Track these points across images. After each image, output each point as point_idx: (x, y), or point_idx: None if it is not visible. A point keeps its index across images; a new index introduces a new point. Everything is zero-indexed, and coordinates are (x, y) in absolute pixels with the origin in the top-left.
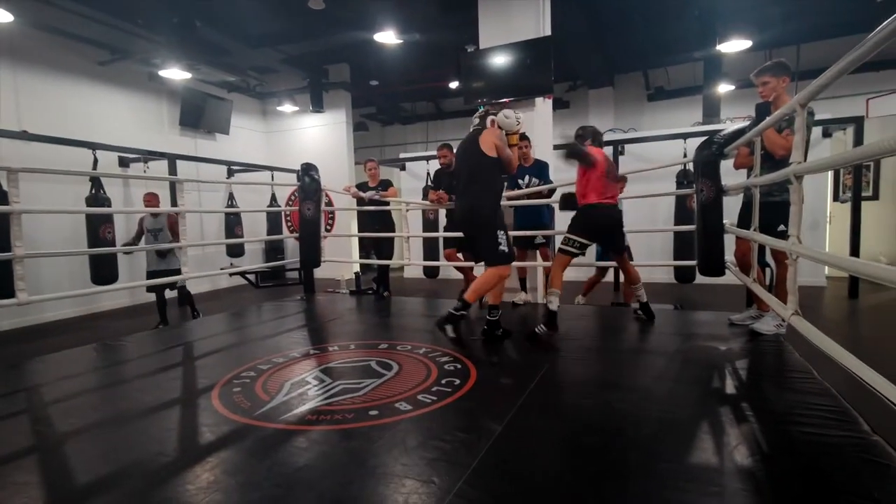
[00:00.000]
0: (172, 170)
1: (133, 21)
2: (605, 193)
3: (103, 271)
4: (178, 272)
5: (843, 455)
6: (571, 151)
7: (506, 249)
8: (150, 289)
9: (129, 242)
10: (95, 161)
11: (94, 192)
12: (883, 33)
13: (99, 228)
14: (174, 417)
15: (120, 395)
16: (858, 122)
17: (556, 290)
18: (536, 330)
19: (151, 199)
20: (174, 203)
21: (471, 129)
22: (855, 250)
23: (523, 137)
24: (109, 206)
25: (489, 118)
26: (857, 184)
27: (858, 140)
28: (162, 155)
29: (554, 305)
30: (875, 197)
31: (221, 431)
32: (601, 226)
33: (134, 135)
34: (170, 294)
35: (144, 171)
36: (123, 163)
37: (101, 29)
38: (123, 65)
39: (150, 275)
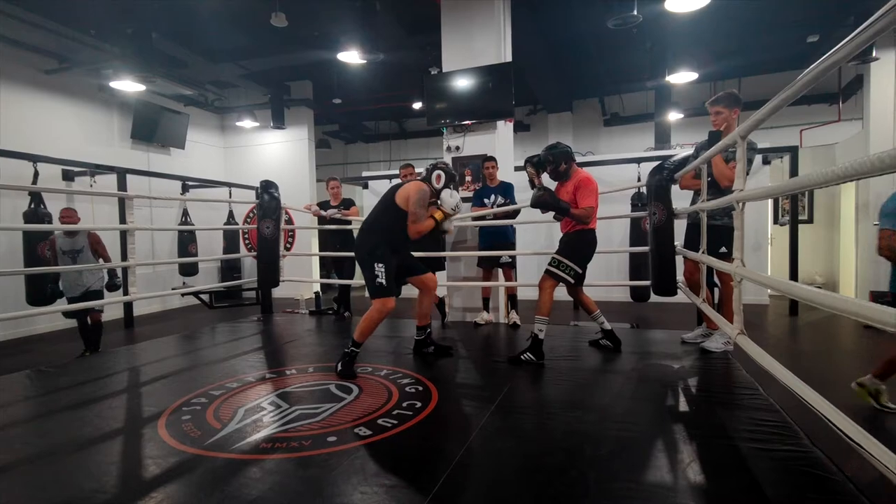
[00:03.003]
0: (122, 185)
1: (84, 31)
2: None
3: (40, 291)
4: (99, 294)
5: (787, 469)
6: (538, 202)
7: (383, 283)
8: (68, 315)
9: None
10: (36, 174)
11: (32, 206)
12: (811, 75)
13: (37, 246)
14: (115, 450)
15: (54, 427)
16: (793, 152)
17: (546, 318)
18: (522, 357)
19: (70, 216)
20: (122, 220)
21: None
22: (794, 271)
23: (489, 158)
24: (50, 222)
25: (436, 172)
26: (794, 208)
27: (794, 167)
28: (111, 169)
29: (543, 334)
30: (810, 220)
31: (168, 463)
32: (593, 252)
33: (81, 147)
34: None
35: (91, 186)
36: (68, 176)
37: (49, 36)
38: (72, 74)
39: (70, 302)
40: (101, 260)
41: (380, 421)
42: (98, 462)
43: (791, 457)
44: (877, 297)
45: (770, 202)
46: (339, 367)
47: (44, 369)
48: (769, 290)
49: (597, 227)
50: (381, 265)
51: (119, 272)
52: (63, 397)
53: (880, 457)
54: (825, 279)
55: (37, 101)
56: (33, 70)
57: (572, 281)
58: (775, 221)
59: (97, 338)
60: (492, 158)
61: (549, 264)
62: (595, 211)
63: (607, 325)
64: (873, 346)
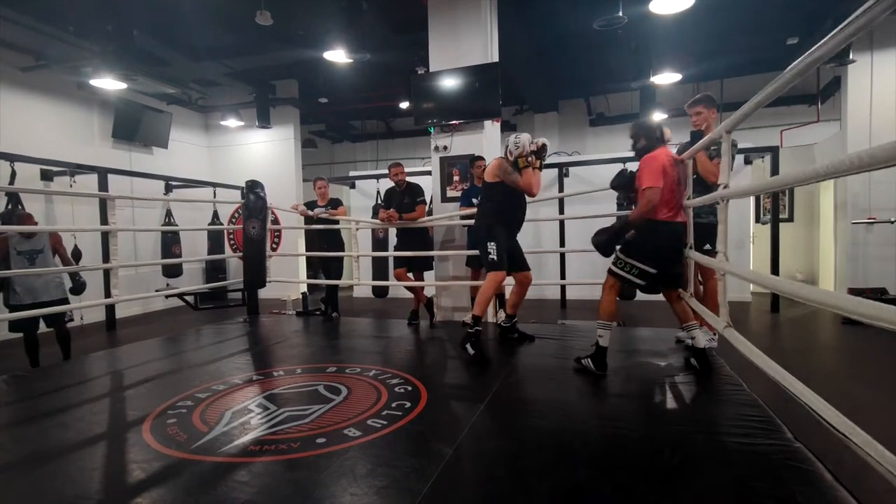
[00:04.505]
0: (104, 185)
1: (63, 27)
2: (672, 206)
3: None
4: (62, 302)
5: (771, 462)
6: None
7: (495, 258)
8: (14, 327)
9: None
10: (13, 174)
11: (10, 207)
12: (792, 73)
13: None
14: (98, 455)
15: (34, 433)
16: (774, 151)
17: (608, 323)
18: (582, 362)
19: (26, 220)
20: (104, 221)
21: None
22: (775, 268)
23: (478, 158)
24: None
25: (507, 149)
26: (775, 207)
27: (775, 167)
28: (92, 168)
29: (605, 340)
30: (790, 219)
31: (153, 468)
32: (670, 248)
33: (60, 147)
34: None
35: (71, 186)
36: (47, 176)
37: (25, 33)
38: (50, 72)
39: (21, 309)
40: (59, 260)
41: (369, 422)
42: (81, 468)
43: (775, 450)
44: (854, 293)
45: (752, 201)
46: (471, 352)
47: (21, 374)
48: (751, 287)
49: (664, 217)
50: (492, 243)
51: (81, 273)
52: (43, 402)
53: (865, 446)
54: (805, 276)
55: (13, 100)
56: (9, 67)
57: (640, 282)
58: (757, 220)
59: (67, 347)
60: (480, 158)
61: (612, 262)
62: (656, 192)
63: (700, 343)
64: (853, 340)
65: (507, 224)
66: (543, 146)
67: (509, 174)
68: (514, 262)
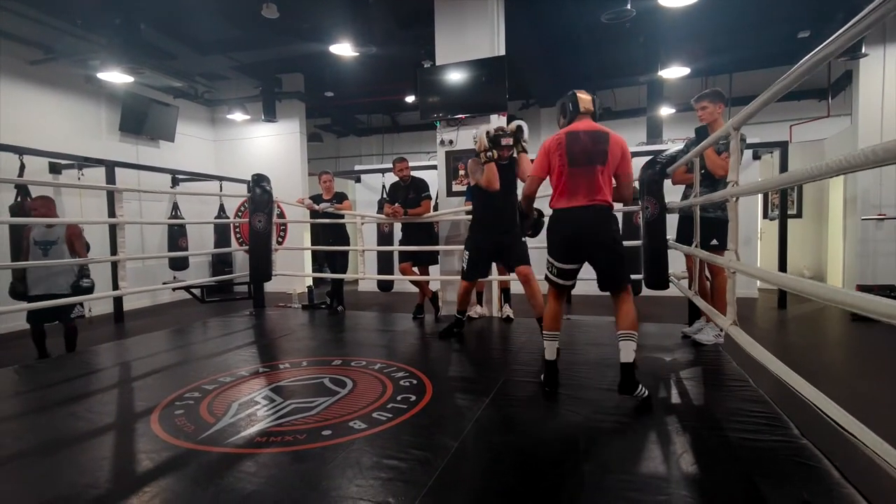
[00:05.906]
0: (111, 178)
1: (71, 21)
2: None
3: (22, 285)
4: (68, 296)
5: (777, 459)
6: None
7: (464, 267)
8: (29, 318)
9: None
10: (22, 167)
11: (19, 200)
12: (803, 68)
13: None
14: (107, 445)
15: (45, 422)
16: (783, 147)
17: (553, 332)
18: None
19: (39, 207)
20: (111, 214)
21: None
22: (783, 265)
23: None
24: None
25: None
26: (783, 203)
27: (784, 162)
28: (99, 162)
29: (549, 353)
30: (799, 215)
31: (161, 458)
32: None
33: (68, 140)
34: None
35: (79, 179)
36: (55, 169)
37: (34, 26)
38: (58, 65)
39: (31, 301)
40: (75, 256)
41: (374, 414)
42: (91, 457)
43: (781, 447)
44: (863, 290)
45: (760, 197)
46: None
47: (33, 364)
48: (759, 284)
49: (557, 206)
50: (466, 252)
51: (90, 273)
52: (53, 392)
53: (874, 446)
54: (813, 273)
55: (22, 93)
56: (18, 60)
57: (558, 281)
58: (765, 216)
59: (72, 342)
60: None
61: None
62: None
63: (628, 357)
64: (861, 337)
65: (486, 227)
66: (496, 135)
67: (475, 174)
68: (508, 258)
